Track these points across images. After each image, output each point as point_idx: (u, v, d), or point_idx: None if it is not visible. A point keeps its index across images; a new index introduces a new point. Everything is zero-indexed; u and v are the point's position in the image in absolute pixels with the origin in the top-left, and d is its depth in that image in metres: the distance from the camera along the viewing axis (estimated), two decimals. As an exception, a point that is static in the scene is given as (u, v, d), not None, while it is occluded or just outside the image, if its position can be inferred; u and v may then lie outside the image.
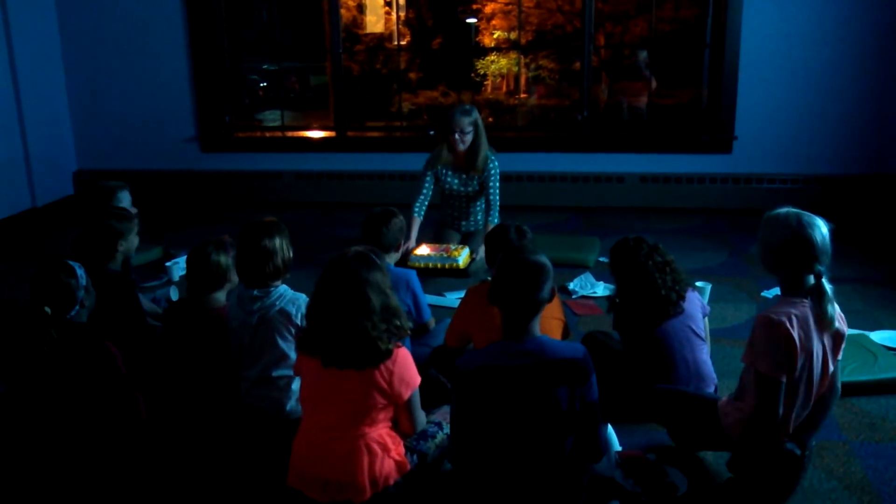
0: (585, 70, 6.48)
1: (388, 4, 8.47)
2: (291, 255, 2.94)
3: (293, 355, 2.82)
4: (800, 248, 2.38)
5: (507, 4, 8.16)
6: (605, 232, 5.66)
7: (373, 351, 2.32)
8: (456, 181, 4.95)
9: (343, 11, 7.19)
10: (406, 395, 2.40)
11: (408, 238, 4.69)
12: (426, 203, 4.93)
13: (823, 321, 2.40)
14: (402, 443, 2.46)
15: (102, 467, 2.58)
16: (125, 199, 4.14)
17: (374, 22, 8.69)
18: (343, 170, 6.76)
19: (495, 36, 8.43)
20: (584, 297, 4.40)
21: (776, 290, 4.37)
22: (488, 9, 8.29)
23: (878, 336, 3.71)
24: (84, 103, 6.91)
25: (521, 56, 7.84)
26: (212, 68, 6.76)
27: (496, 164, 4.91)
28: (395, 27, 8.01)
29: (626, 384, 2.96)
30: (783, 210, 2.46)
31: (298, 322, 2.82)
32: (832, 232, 2.42)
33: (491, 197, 4.88)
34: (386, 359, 2.34)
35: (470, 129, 4.75)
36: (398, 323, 2.39)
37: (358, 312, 2.32)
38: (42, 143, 6.49)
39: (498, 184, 4.91)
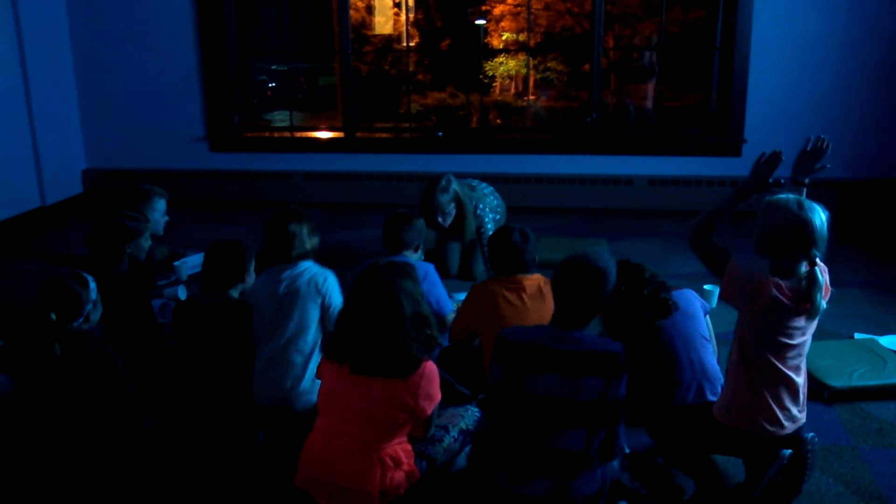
0: (595, 72, 6.47)
1: (397, 6, 8.48)
2: (317, 242, 3.12)
3: (314, 328, 2.85)
4: (799, 232, 2.39)
5: (516, 6, 8.16)
6: (613, 234, 5.65)
7: (403, 358, 2.32)
8: (449, 241, 4.82)
9: (352, 12, 7.20)
10: (429, 410, 2.40)
11: None
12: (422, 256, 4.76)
13: (810, 308, 2.40)
14: (413, 454, 2.46)
15: (102, 472, 2.57)
16: (160, 207, 4.37)
17: (383, 23, 8.70)
18: (351, 170, 6.77)
19: (504, 38, 8.43)
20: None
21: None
22: (497, 10, 8.29)
23: (887, 341, 3.69)
24: (93, 102, 6.94)
25: (530, 58, 7.84)
26: (221, 68, 6.77)
27: (489, 222, 4.62)
28: (404, 28, 8.02)
29: (632, 386, 2.95)
30: (783, 195, 2.50)
31: (324, 292, 2.92)
32: (829, 221, 2.44)
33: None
34: (414, 369, 2.33)
35: (451, 207, 4.49)
36: (429, 332, 2.39)
37: (390, 318, 2.33)
38: (51, 142, 6.52)
39: (491, 227, 4.63)
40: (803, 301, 2.40)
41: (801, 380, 2.52)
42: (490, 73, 8.25)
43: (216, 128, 6.89)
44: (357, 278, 2.46)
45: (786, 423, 2.49)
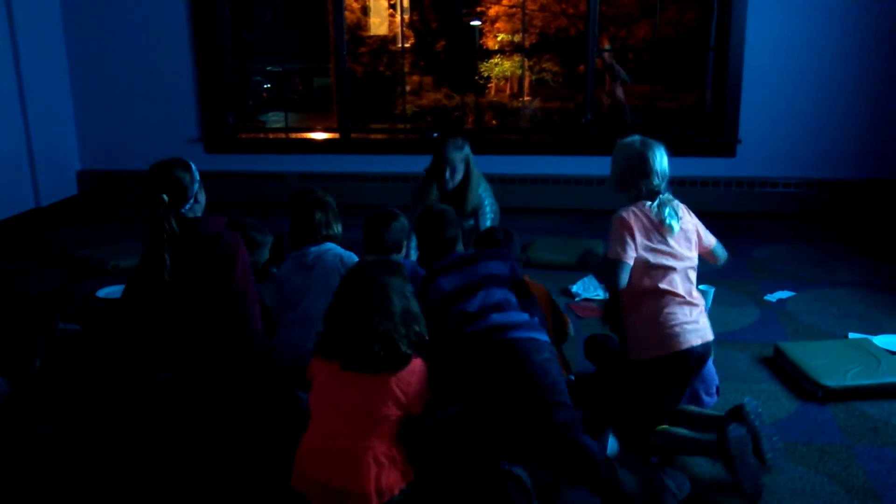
0: (589, 73, 6.48)
1: (392, 7, 8.49)
2: (340, 229, 3.46)
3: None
4: (640, 164, 2.87)
5: (511, 7, 8.18)
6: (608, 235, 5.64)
7: (393, 353, 2.33)
8: None
9: (347, 14, 7.21)
10: (420, 406, 2.41)
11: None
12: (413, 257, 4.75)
13: (664, 226, 2.79)
14: (408, 453, 2.45)
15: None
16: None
17: (378, 24, 8.71)
18: (346, 171, 6.77)
19: (499, 38, 8.45)
20: (586, 299, 4.39)
21: (779, 294, 4.39)
22: (492, 11, 8.32)
23: (882, 340, 3.69)
24: (88, 103, 6.93)
25: (525, 59, 7.85)
26: (216, 69, 6.77)
27: (488, 205, 4.58)
28: (399, 29, 8.02)
29: (628, 386, 2.95)
30: (631, 136, 2.96)
31: (349, 265, 3.09)
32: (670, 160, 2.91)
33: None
34: (404, 365, 2.35)
35: (461, 166, 4.48)
36: (417, 329, 2.39)
37: (379, 314, 2.33)
38: (46, 143, 6.51)
39: (490, 212, 4.63)
40: (656, 219, 2.79)
41: (682, 291, 2.75)
42: (485, 74, 8.27)
43: (211, 129, 6.88)
44: (346, 275, 2.50)
45: (687, 330, 2.67)
